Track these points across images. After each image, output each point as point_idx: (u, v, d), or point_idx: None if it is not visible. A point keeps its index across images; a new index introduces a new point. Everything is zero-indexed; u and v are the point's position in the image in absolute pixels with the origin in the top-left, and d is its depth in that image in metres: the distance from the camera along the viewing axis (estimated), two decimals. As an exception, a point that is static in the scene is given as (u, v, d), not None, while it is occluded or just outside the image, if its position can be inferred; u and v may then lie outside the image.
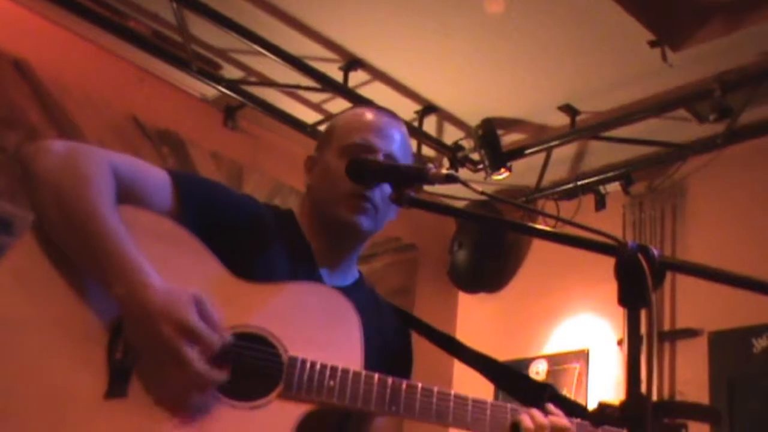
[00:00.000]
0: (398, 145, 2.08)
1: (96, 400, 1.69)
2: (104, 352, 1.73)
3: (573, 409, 2.03)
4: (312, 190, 2.11)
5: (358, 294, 2.08)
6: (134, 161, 1.91)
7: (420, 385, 1.88)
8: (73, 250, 1.75)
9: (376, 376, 1.84)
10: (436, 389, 1.88)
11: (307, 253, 2.05)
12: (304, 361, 1.79)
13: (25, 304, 1.74)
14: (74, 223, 1.73)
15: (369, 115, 2.13)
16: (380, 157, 2.02)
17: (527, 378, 2.26)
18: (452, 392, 1.90)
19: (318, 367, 1.79)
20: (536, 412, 1.94)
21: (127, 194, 1.81)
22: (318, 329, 1.86)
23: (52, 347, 1.71)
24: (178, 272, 1.77)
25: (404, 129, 2.14)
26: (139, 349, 1.71)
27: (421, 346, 2.27)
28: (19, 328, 1.72)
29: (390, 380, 1.85)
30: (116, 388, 1.71)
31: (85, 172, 1.76)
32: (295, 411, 1.77)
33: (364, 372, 1.84)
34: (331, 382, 1.79)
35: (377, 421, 2.09)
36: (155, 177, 1.90)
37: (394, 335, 2.16)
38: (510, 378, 2.21)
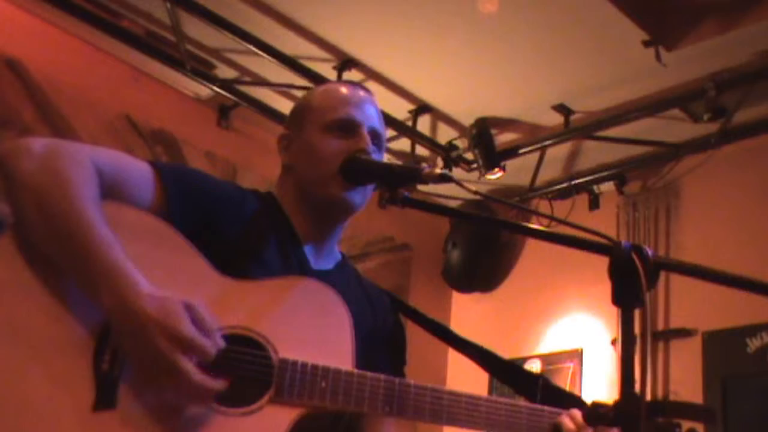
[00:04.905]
0: (377, 119, 2.08)
1: (84, 413, 1.62)
2: (90, 361, 1.65)
3: (566, 399, 2.02)
4: (294, 169, 2.06)
5: (343, 276, 2.06)
6: (117, 155, 1.84)
7: (413, 383, 1.85)
8: (57, 256, 1.67)
9: (369, 374, 1.81)
10: (430, 387, 1.85)
11: (293, 236, 2.01)
12: (294, 363, 1.75)
13: (3, 314, 1.65)
14: (57, 226, 1.65)
15: (344, 89, 2.11)
16: (364, 131, 2.01)
17: (520, 369, 2.26)
18: (446, 389, 1.87)
19: (309, 368, 1.76)
20: (577, 414, 1.92)
21: (110, 189, 1.74)
22: (307, 327, 1.82)
23: (34, 358, 1.63)
24: (161, 272, 1.70)
25: (376, 102, 2.13)
26: (131, 360, 1.65)
27: (414, 337, 2.26)
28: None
29: (383, 378, 1.82)
30: (104, 399, 1.63)
31: (67, 172, 1.68)
32: (287, 416, 1.73)
33: (356, 371, 1.80)
34: (323, 383, 1.76)
35: (386, 423, 2.03)
36: (138, 171, 1.83)
37: (385, 315, 2.14)
38: (504, 368, 2.20)
